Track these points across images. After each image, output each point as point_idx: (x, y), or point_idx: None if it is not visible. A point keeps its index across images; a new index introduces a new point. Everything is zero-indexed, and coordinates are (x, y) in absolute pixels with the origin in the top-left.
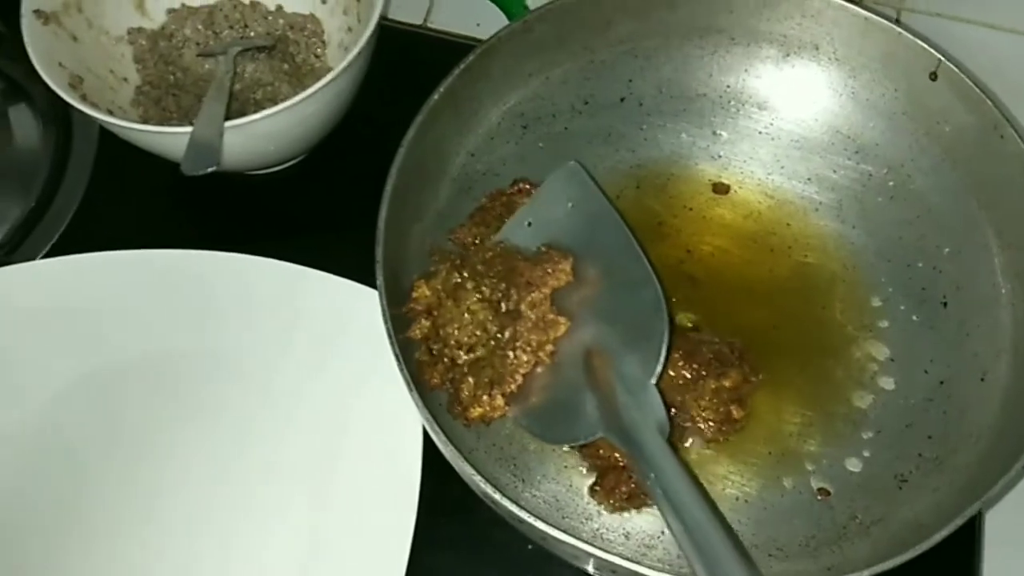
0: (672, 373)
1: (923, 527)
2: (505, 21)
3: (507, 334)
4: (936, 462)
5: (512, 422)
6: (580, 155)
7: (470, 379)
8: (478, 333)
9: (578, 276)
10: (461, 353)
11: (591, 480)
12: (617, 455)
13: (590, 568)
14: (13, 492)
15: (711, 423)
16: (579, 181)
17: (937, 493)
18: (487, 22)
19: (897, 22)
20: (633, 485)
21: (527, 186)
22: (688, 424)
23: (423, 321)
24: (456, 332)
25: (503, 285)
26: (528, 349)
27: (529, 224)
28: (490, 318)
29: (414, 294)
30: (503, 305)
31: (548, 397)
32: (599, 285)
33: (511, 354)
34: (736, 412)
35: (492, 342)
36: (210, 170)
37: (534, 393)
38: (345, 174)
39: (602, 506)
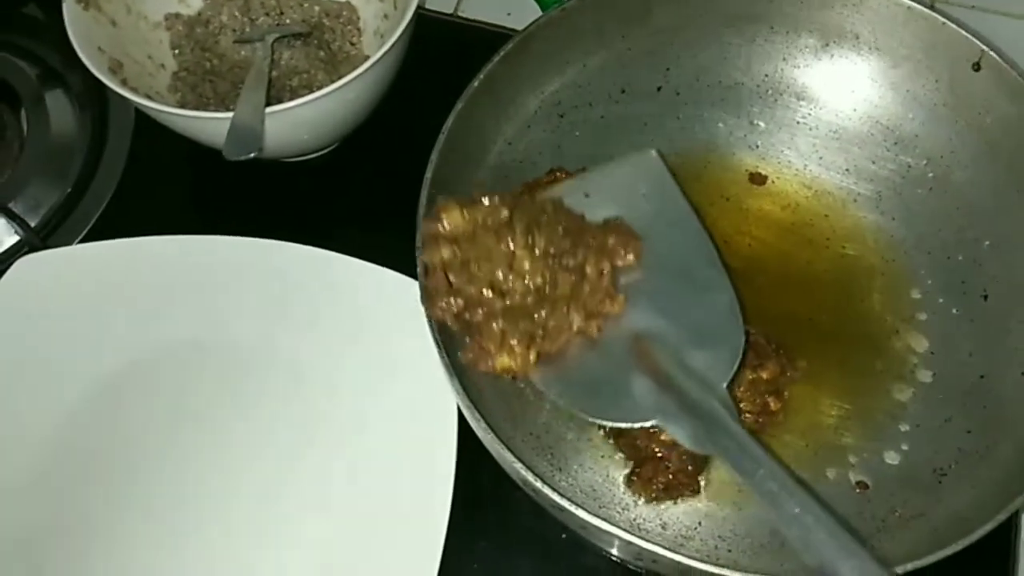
0: None
1: (964, 522)
2: (536, 10)
3: (561, 290)
4: (976, 456)
5: (538, 385)
6: (616, 144)
7: (501, 323)
8: (515, 281)
9: (641, 262)
10: (490, 293)
11: (627, 470)
12: (654, 446)
13: (624, 556)
14: (55, 479)
15: (748, 414)
16: (659, 172)
17: (977, 488)
18: (517, 11)
19: (931, 9)
20: (671, 476)
21: (563, 175)
22: None
23: (444, 248)
24: (492, 271)
25: (568, 241)
26: (582, 314)
27: (587, 195)
28: (540, 269)
29: (444, 215)
30: (564, 261)
31: (585, 371)
32: (662, 278)
33: (564, 312)
34: (773, 404)
35: (535, 294)
36: (252, 155)
37: (568, 362)
38: (375, 162)
39: (639, 496)
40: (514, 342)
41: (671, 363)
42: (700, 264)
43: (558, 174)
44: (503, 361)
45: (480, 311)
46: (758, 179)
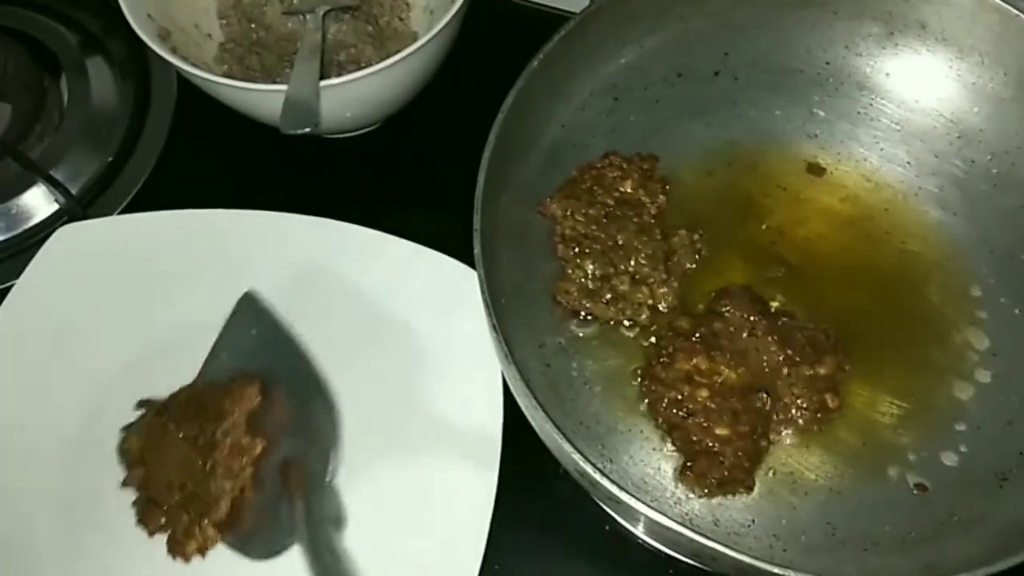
0: (765, 359)
1: None
2: None
3: (208, 465)
4: None
5: (231, 548)
6: (671, 129)
7: (184, 515)
8: (183, 472)
9: (269, 397)
10: (173, 493)
11: (679, 464)
12: (708, 440)
13: (678, 552)
14: (89, 448)
15: (805, 411)
16: (258, 309)
17: None
18: None
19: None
20: (726, 472)
21: (617, 159)
22: (781, 412)
23: (138, 471)
24: (166, 474)
25: (199, 420)
26: (229, 475)
27: (224, 356)
28: (196, 454)
29: (125, 446)
30: (200, 439)
31: (256, 516)
32: (287, 401)
33: (213, 483)
34: (831, 401)
35: (201, 475)
36: (307, 130)
37: (244, 515)
38: (421, 141)
39: (690, 491)
40: (192, 525)
41: (306, 476)
42: (304, 377)
43: (612, 158)
44: (192, 545)
45: (174, 511)
46: (816, 170)
